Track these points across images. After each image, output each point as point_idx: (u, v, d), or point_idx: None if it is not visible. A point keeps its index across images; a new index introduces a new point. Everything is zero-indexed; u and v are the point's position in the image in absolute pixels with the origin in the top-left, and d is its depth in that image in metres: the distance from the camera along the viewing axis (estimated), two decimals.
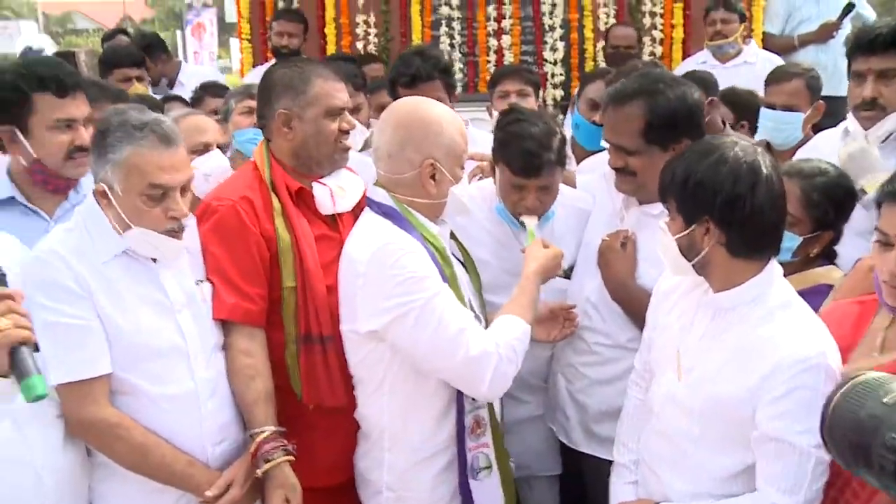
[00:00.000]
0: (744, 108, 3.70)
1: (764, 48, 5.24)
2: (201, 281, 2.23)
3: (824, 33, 5.21)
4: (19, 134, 2.43)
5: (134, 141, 2.03)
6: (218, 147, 2.93)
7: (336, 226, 2.39)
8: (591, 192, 2.71)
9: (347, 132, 2.39)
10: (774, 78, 3.55)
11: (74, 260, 2.05)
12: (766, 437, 1.79)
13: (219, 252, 2.25)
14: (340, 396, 2.25)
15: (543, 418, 2.76)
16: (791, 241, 2.29)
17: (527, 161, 2.46)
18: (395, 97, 3.18)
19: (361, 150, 3.33)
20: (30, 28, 25.20)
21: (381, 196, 2.21)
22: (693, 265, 1.90)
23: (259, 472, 2.15)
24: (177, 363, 2.12)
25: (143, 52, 5.19)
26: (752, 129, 3.66)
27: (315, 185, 2.36)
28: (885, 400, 1.16)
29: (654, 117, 2.31)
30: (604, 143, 2.45)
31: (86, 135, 2.43)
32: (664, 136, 2.31)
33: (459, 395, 2.17)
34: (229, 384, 2.22)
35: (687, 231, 1.88)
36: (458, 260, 2.36)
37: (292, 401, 2.26)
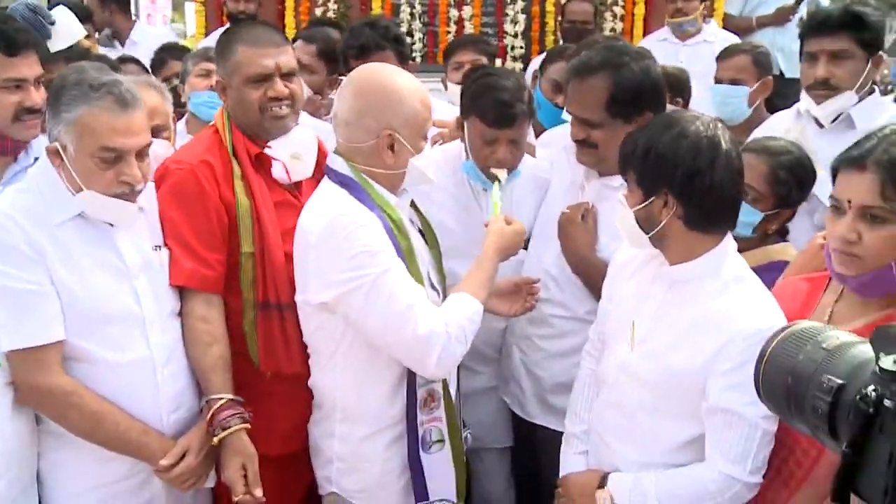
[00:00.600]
0: (676, 86, 3.74)
1: (724, 28, 5.28)
2: (159, 247, 2.19)
3: (781, 16, 5.27)
4: None
5: (89, 101, 1.97)
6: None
7: (297, 192, 2.36)
8: (550, 164, 2.72)
9: (278, 99, 2.30)
10: (723, 54, 3.63)
11: (27, 222, 1.99)
12: (716, 408, 1.82)
13: (177, 216, 2.21)
14: (298, 364, 2.24)
15: (496, 390, 2.77)
16: (753, 216, 2.32)
17: (500, 111, 2.50)
18: (348, 69, 3.14)
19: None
20: None
21: (338, 165, 2.16)
22: (650, 237, 1.92)
23: (215, 439, 2.12)
24: (132, 329, 2.09)
25: None
26: (686, 107, 3.70)
27: (270, 156, 2.31)
28: (823, 345, 1.18)
29: (618, 90, 2.30)
30: (565, 116, 2.45)
31: (36, 96, 2.37)
32: (628, 110, 2.31)
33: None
34: (186, 351, 2.19)
35: (645, 203, 1.89)
36: (419, 230, 2.34)
37: (249, 368, 2.25)
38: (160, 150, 2.47)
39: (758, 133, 3.01)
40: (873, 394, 1.04)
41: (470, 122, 2.58)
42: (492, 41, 4.71)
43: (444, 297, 2.23)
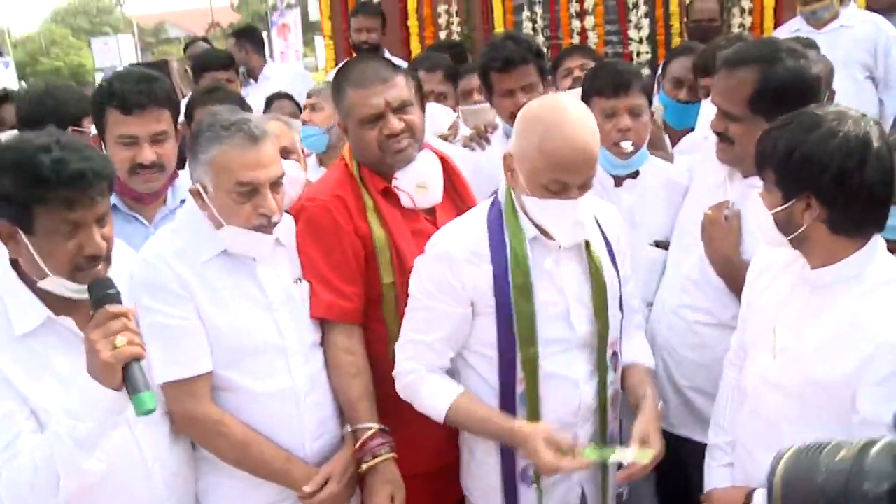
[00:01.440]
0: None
1: (868, 8, 4.97)
2: (299, 280, 2.28)
3: None
4: (102, 145, 2.55)
5: (221, 140, 2.08)
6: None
7: (433, 218, 2.39)
8: (689, 170, 2.67)
9: (394, 134, 2.31)
10: None
11: (176, 261, 2.12)
12: (871, 421, 1.69)
13: (313, 251, 2.29)
14: None
15: None
16: None
17: (615, 79, 2.61)
18: (487, 83, 3.19)
19: (447, 137, 3.35)
20: (126, 42, 26.26)
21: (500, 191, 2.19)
22: (789, 240, 1.83)
23: (365, 466, 2.19)
24: (276, 360, 2.18)
25: (235, 36, 5.37)
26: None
27: (395, 187, 2.35)
28: (839, 456, 1.08)
29: (764, 86, 2.22)
30: (710, 105, 2.38)
31: (148, 152, 2.47)
32: (771, 108, 2.19)
33: None
34: (330, 381, 2.27)
35: (785, 206, 1.81)
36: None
37: (393, 392, 2.28)
38: (292, 172, 2.56)
39: None
40: None
41: (591, 104, 2.57)
42: (617, 48, 4.66)
43: (590, 345, 2.15)
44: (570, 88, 3.40)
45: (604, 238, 2.20)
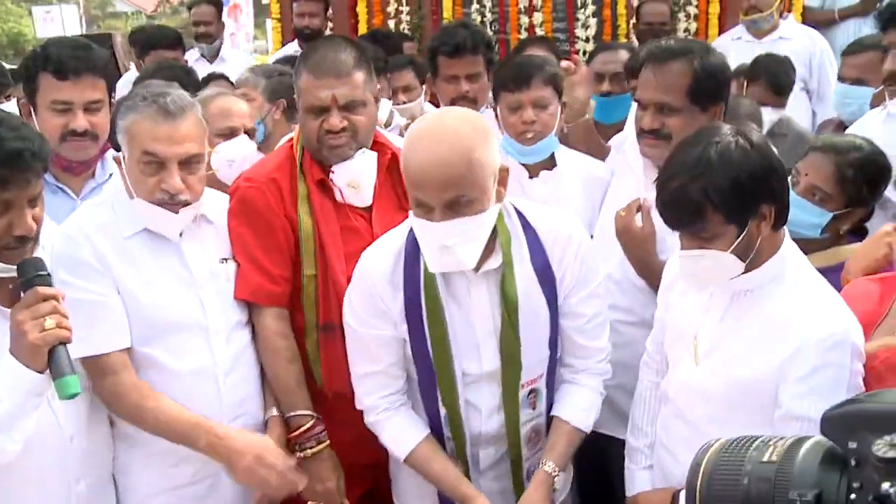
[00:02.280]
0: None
1: (803, 23, 5.12)
2: (226, 259, 2.25)
3: (867, 6, 5.07)
4: (32, 111, 2.50)
5: (137, 110, 2.07)
6: (246, 132, 2.89)
7: (369, 216, 2.36)
8: (610, 166, 2.71)
9: (335, 132, 2.26)
10: (850, 49, 3.50)
11: (97, 236, 2.10)
12: (791, 415, 1.75)
13: (244, 231, 2.27)
14: None
15: None
16: (821, 216, 2.25)
17: (518, 72, 2.64)
18: (434, 68, 3.19)
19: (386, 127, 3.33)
20: (71, 12, 25.54)
21: None
22: (748, 262, 1.81)
23: (311, 451, 2.22)
24: (197, 338, 2.16)
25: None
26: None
27: (330, 181, 2.32)
28: (765, 458, 1.02)
29: (702, 74, 2.27)
30: (638, 101, 2.40)
31: (82, 119, 2.44)
32: (707, 96, 2.28)
33: None
34: (264, 364, 2.27)
35: (743, 233, 1.78)
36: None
37: (312, 385, 2.29)
38: (247, 151, 2.62)
39: (851, 131, 2.93)
40: (892, 490, 0.91)
41: (499, 99, 2.70)
42: (564, 46, 4.69)
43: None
44: None
45: (539, 258, 2.02)
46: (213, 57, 5.65)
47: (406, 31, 5.39)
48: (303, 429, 2.22)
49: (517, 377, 2.03)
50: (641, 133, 2.37)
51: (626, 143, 2.58)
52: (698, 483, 1.06)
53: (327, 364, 2.28)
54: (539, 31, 5.41)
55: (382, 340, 2.06)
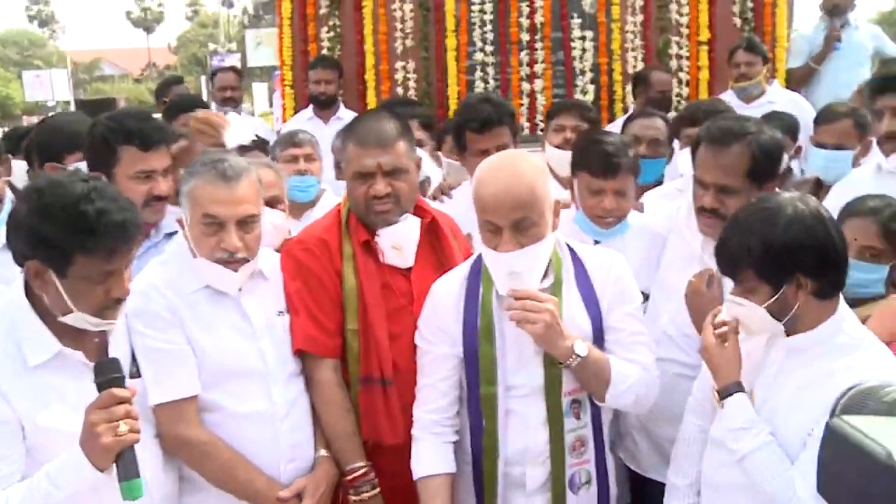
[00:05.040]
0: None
1: (786, 81, 5.46)
2: (282, 312, 2.42)
3: (828, 43, 5.60)
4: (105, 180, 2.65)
5: (197, 175, 2.26)
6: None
7: (408, 275, 2.50)
8: (667, 218, 2.80)
9: (380, 197, 2.42)
10: (823, 118, 3.73)
11: (167, 290, 2.27)
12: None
13: (299, 288, 2.43)
14: (400, 436, 2.38)
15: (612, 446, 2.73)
16: (879, 272, 2.42)
17: (605, 162, 2.72)
18: (461, 142, 3.32)
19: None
20: (60, 76, 25.81)
21: None
22: (784, 323, 1.95)
23: (367, 495, 2.36)
24: (257, 384, 2.31)
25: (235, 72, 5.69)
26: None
27: (375, 243, 2.47)
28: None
29: (759, 155, 2.40)
30: (699, 181, 2.50)
31: (163, 185, 2.63)
32: (764, 175, 2.42)
33: None
34: (320, 413, 2.40)
35: (777, 296, 1.93)
36: None
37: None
38: (277, 221, 2.73)
39: (838, 188, 3.14)
40: None
41: (578, 177, 2.81)
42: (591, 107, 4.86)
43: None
44: (557, 146, 3.54)
45: (584, 284, 2.28)
46: None
47: (415, 98, 5.64)
48: (358, 473, 2.36)
49: (559, 385, 2.21)
50: (701, 211, 2.50)
51: (678, 211, 2.70)
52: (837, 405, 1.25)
53: (366, 415, 2.42)
54: (540, 97, 5.69)
55: (437, 357, 2.30)
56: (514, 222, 2.11)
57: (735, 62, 5.07)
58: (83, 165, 2.78)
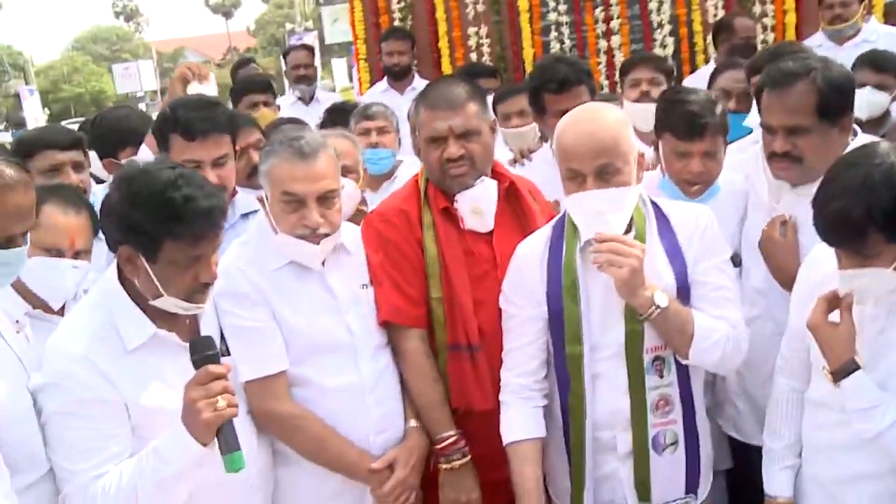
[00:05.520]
0: None
1: (885, 16, 5.10)
2: (366, 285, 2.43)
3: None
4: None
5: (275, 154, 2.27)
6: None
7: (491, 240, 2.48)
8: (745, 176, 2.69)
9: (454, 160, 2.40)
10: None
11: (250, 270, 2.30)
12: None
13: (382, 260, 2.43)
14: (489, 401, 2.36)
15: (711, 413, 2.68)
16: None
17: (690, 122, 2.59)
18: (539, 104, 3.26)
19: None
20: (146, 67, 26.67)
21: None
22: None
23: (458, 463, 2.36)
24: (345, 357, 2.33)
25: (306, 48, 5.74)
26: None
27: (454, 208, 2.45)
28: None
29: (826, 90, 2.28)
30: (748, 122, 2.43)
31: (212, 176, 2.57)
32: (836, 111, 2.29)
33: None
34: (409, 383, 2.41)
35: None
36: None
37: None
38: (349, 189, 2.73)
39: None
40: None
41: (663, 139, 2.68)
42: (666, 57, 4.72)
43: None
44: (635, 101, 3.47)
45: (668, 238, 2.21)
46: (309, 99, 5.94)
47: (490, 64, 5.57)
48: (448, 441, 2.36)
49: (639, 342, 2.15)
50: (772, 157, 2.38)
51: (750, 166, 2.59)
52: None
53: (455, 383, 2.41)
54: (618, 54, 5.54)
55: (522, 319, 2.27)
56: (598, 168, 2.08)
57: (828, 3, 4.76)
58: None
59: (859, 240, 1.81)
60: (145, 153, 2.93)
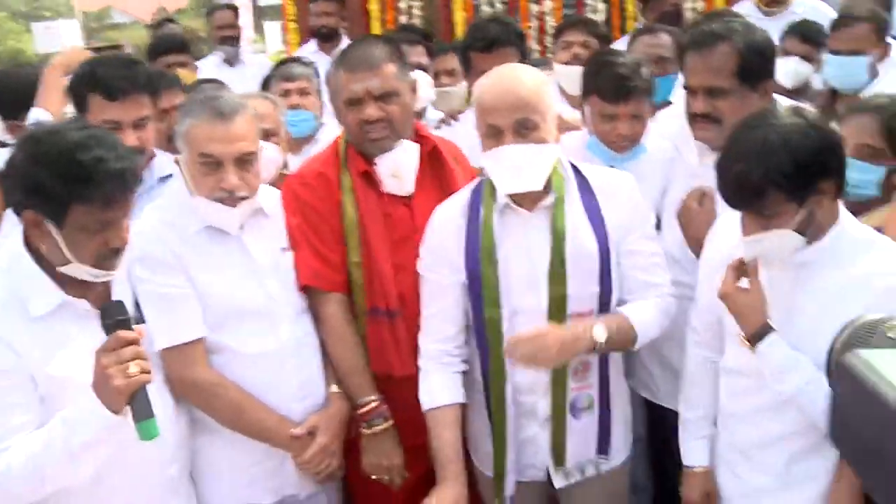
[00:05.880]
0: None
1: None
2: (285, 249, 2.37)
3: None
4: None
5: (192, 114, 2.20)
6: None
7: (410, 203, 2.46)
8: (673, 145, 2.69)
9: (371, 122, 2.36)
10: (839, 24, 3.52)
11: (167, 233, 2.22)
12: None
13: (300, 223, 2.38)
14: (408, 367, 2.35)
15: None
16: (875, 173, 2.31)
17: (617, 85, 2.58)
18: (467, 63, 3.23)
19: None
20: (70, 26, 25.62)
21: None
22: (809, 235, 1.87)
23: (378, 428, 2.35)
24: (263, 323, 2.28)
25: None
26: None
27: (374, 171, 2.41)
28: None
29: (747, 53, 2.30)
30: (687, 88, 2.42)
31: (131, 137, 2.50)
32: (756, 75, 2.31)
33: None
34: (329, 349, 2.38)
35: (803, 210, 1.84)
36: None
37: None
38: (271, 154, 2.66)
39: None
40: None
41: (590, 101, 2.66)
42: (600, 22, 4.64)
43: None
44: (566, 63, 3.41)
45: (589, 202, 2.21)
46: (234, 60, 5.76)
47: (418, 26, 5.47)
48: (370, 406, 2.34)
49: (563, 306, 2.14)
50: (693, 118, 2.39)
51: (674, 130, 2.59)
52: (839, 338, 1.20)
53: (373, 347, 2.39)
54: (549, 19, 5.50)
55: (441, 284, 2.24)
56: (517, 123, 2.07)
57: None
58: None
59: (759, 200, 1.83)
60: (39, 115, 2.79)
